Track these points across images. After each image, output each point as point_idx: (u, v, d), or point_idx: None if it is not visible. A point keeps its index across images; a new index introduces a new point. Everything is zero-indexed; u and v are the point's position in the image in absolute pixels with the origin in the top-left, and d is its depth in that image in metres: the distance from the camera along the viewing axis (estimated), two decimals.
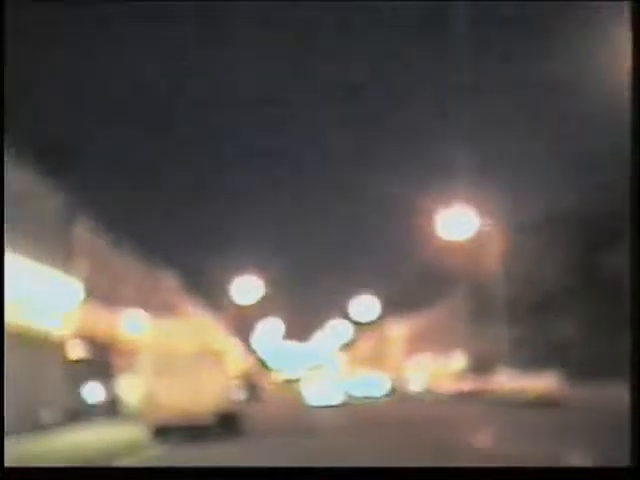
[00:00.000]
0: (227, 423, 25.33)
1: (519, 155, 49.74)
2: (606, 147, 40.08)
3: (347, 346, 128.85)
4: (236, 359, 26.56)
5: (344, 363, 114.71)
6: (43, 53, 41.03)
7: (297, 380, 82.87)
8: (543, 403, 36.85)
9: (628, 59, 9.42)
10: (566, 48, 41.35)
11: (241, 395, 26.85)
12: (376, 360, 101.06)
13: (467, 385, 54.98)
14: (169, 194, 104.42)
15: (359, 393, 62.85)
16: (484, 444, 19.29)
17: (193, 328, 27.50)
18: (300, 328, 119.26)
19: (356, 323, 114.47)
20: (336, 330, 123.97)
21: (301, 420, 34.74)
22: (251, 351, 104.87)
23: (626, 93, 9.70)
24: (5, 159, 31.84)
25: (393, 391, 67.89)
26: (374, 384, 67.35)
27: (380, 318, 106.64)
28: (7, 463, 17.74)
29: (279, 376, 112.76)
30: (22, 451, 20.99)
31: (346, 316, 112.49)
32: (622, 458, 9.16)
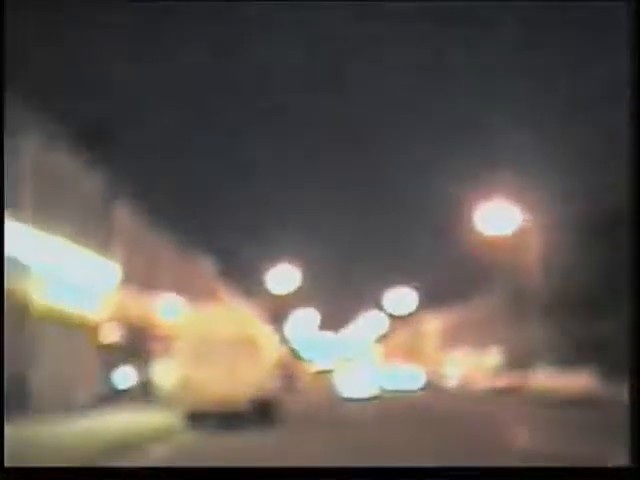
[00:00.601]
0: (262, 411, 25.11)
1: (565, 149, 48.92)
2: None
3: (382, 338, 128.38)
4: (273, 347, 26.34)
5: (378, 355, 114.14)
6: (84, 35, 41.00)
7: (330, 371, 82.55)
8: (580, 402, 36.41)
9: None
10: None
11: (277, 384, 26.54)
12: (411, 353, 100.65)
13: (503, 381, 54.59)
14: (209, 179, 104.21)
15: (393, 386, 62.53)
16: (520, 442, 18.92)
17: (231, 315, 27.31)
18: (334, 319, 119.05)
19: (392, 315, 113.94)
20: (371, 322, 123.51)
21: (335, 412, 34.54)
22: (285, 340, 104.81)
23: None
24: (48, 141, 31.92)
25: (428, 385, 67.55)
26: (408, 377, 67.03)
27: (416, 311, 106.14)
28: (43, 442, 17.71)
29: (312, 366, 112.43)
30: (56, 432, 20.89)
31: (382, 308, 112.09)
32: None
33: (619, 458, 13.62)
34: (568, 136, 49.24)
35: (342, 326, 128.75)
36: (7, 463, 10.74)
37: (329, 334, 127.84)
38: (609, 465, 9.38)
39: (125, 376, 41.45)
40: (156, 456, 16.93)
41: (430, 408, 37.01)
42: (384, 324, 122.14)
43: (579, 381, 39.38)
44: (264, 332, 27.24)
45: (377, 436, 20.98)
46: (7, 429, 16.32)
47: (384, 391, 53.62)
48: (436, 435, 20.79)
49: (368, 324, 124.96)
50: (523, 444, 18.63)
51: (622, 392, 37.74)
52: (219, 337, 25.33)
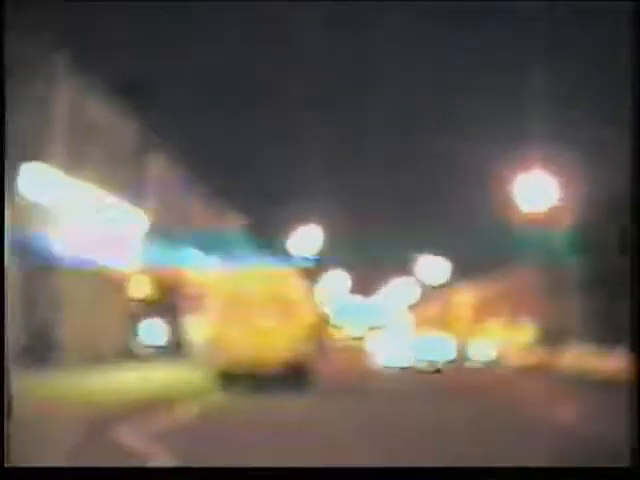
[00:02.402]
0: (295, 375, 24.57)
1: (601, 126, 47.94)
2: None
3: (414, 307, 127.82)
4: (310, 309, 25.86)
5: (410, 324, 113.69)
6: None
7: (362, 337, 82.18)
8: (612, 382, 35.76)
9: None
10: None
11: (310, 348, 26.00)
12: (443, 324, 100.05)
13: (535, 358, 53.98)
14: (242, 139, 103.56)
15: (424, 356, 61.96)
16: (553, 420, 18.32)
17: (266, 272, 26.74)
18: (365, 284, 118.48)
19: (424, 284, 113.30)
20: (402, 289, 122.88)
21: (368, 380, 34.09)
22: (316, 304, 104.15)
23: None
24: (83, 91, 31.52)
25: (459, 357, 67.01)
26: (440, 347, 66.50)
27: (449, 281, 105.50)
28: (68, 394, 17.34)
29: (344, 332, 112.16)
30: (82, 385, 20.58)
31: (414, 276, 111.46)
32: None
33: None
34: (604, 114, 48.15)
35: (372, 292, 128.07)
36: (20, 421, 10.48)
37: (359, 299, 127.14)
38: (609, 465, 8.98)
39: (155, 331, 41.19)
40: (184, 416, 16.52)
41: (460, 382, 36.53)
42: (416, 292, 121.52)
43: (614, 360, 38.68)
44: (301, 292, 26.63)
45: (409, 408, 20.50)
46: (27, 381, 15.99)
47: (415, 361, 53.14)
48: (468, 409, 20.32)
49: (399, 291, 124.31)
50: (556, 422, 18.03)
51: None
52: (252, 296, 24.87)
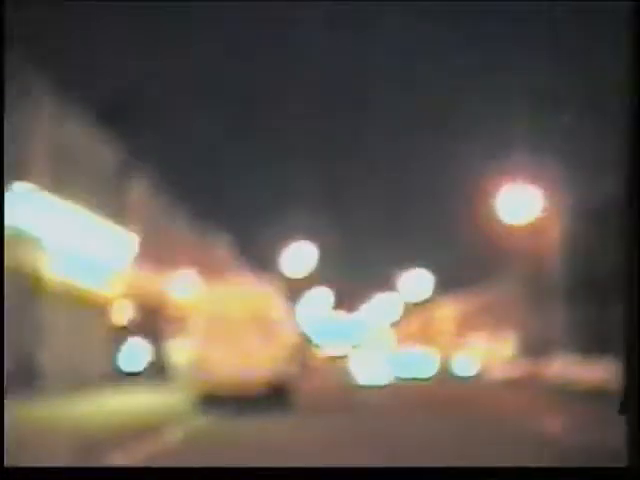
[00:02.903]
0: (277, 395, 24.47)
1: (585, 134, 48.03)
2: None
3: (396, 323, 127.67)
4: (292, 329, 25.75)
5: (392, 340, 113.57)
6: (104, 9, 40.40)
7: (345, 356, 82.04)
8: (600, 392, 35.72)
9: None
10: None
11: (292, 368, 25.90)
12: (425, 339, 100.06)
13: (520, 370, 53.97)
14: (227, 158, 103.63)
15: (407, 373, 61.91)
16: (541, 432, 18.25)
17: (248, 293, 26.59)
18: (347, 301, 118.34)
19: (406, 300, 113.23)
20: (385, 305, 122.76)
21: (350, 398, 33.97)
22: (298, 324, 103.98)
23: None
24: (65, 114, 31.38)
25: (442, 372, 66.99)
26: (423, 363, 66.50)
27: (432, 296, 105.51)
28: (48, 423, 17.15)
29: (326, 351, 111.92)
30: (63, 413, 20.40)
31: (396, 291, 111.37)
32: None
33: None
34: (588, 121, 48.28)
35: (354, 309, 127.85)
36: (11, 447, 10.29)
37: (342, 316, 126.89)
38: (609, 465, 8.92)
39: (138, 355, 40.95)
40: (168, 440, 16.35)
41: (445, 395, 36.44)
42: (398, 308, 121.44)
43: (599, 371, 38.66)
44: (282, 311, 26.52)
45: (392, 423, 20.43)
46: (12, 409, 15.80)
47: (398, 378, 53.03)
48: (452, 424, 20.21)
49: (382, 308, 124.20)
50: (544, 434, 17.95)
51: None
52: (235, 317, 24.72)
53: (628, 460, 7.79)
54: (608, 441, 15.47)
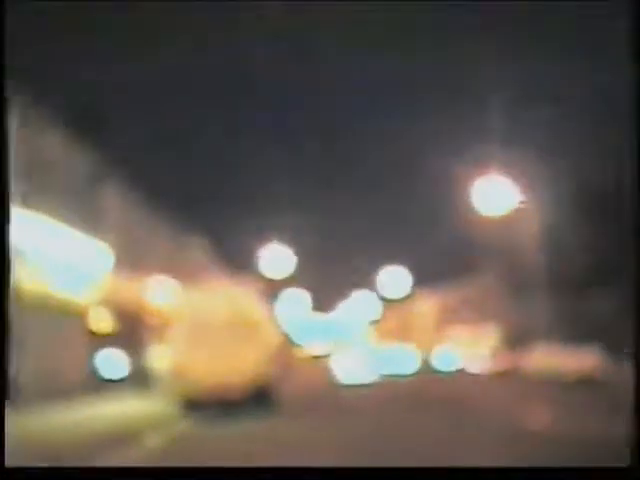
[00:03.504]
0: (261, 399, 24.27)
1: (561, 126, 48.01)
2: None
3: (375, 321, 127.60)
4: (273, 331, 25.53)
5: (372, 338, 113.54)
6: (75, 20, 40.11)
7: (326, 356, 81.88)
8: (583, 382, 35.74)
9: None
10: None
11: (274, 369, 25.69)
12: (406, 335, 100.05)
13: (503, 362, 53.99)
14: (201, 162, 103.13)
15: (388, 370, 61.71)
16: (527, 425, 18.15)
17: (228, 297, 26.33)
18: (326, 300, 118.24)
19: (385, 296, 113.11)
20: (363, 303, 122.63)
21: (334, 398, 33.81)
22: (277, 324, 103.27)
23: None
24: (37, 125, 31.09)
25: (424, 368, 66.87)
26: (403, 360, 66.31)
27: (411, 292, 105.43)
28: (30, 430, 16.91)
29: (307, 351, 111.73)
30: (41, 423, 20.16)
31: (374, 289, 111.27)
32: None
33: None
34: (566, 113, 48.36)
35: (333, 308, 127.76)
36: None
37: (321, 316, 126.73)
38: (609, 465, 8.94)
39: (118, 363, 40.62)
40: (151, 446, 16.14)
41: (429, 391, 36.31)
42: (377, 306, 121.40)
43: (581, 360, 38.73)
44: (262, 313, 26.28)
45: (377, 422, 20.37)
46: None
47: (380, 376, 52.86)
48: (437, 420, 20.19)
49: (361, 306, 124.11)
50: (530, 427, 17.84)
51: (622, 371, 37.13)
52: (215, 321, 24.49)
53: (630, 460, 7.73)
54: (595, 431, 15.52)
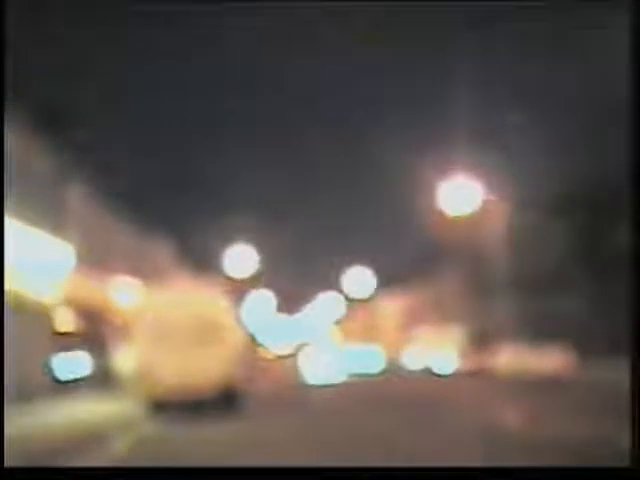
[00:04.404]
0: (227, 399, 24.12)
1: (527, 128, 48.22)
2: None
3: (340, 321, 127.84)
4: (235, 333, 25.40)
5: (338, 339, 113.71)
6: (44, 21, 39.81)
7: (292, 356, 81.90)
8: (549, 382, 35.89)
9: None
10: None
11: (240, 370, 25.54)
12: (372, 336, 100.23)
13: (468, 362, 54.12)
14: (166, 162, 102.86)
15: (354, 370, 61.78)
16: (494, 426, 18.13)
17: (193, 297, 26.15)
18: (291, 301, 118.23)
19: (350, 297, 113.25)
20: (329, 304, 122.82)
21: (301, 398, 33.77)
22: (243, 325, 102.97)
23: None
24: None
25: (390, 368, 67.00)
26: (369, 360, 66.43)
27: (376, 292, 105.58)
28: None
29: (273, 351, 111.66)
30: (8, 424, 19.86)
31: (339, 289, 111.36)
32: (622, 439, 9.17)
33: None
34: (538, 116, 48.57)
35: (299, 309, 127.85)
36: None
37: (286, 317, 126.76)
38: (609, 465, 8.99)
39: (82, 364, 40.27)
40: (116, 448, 15.94)
41: (395, 391, 36.33)
42: (342, 306, 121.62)
43: (547, 360, 38.94)
44: (228, 314, 26.11)
45: (344, 422, 20.30)
46: None
47: (346, 375, 52.90)
48: (403, 420, 20.09)
49: (325, 306, 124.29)
50: (498, 427, 17.80)
51: (589, 370, 37.40)
52: (180, 322, 24.30)
53: (630, 461, 7.74)
54: (565, 431, 15.52)
